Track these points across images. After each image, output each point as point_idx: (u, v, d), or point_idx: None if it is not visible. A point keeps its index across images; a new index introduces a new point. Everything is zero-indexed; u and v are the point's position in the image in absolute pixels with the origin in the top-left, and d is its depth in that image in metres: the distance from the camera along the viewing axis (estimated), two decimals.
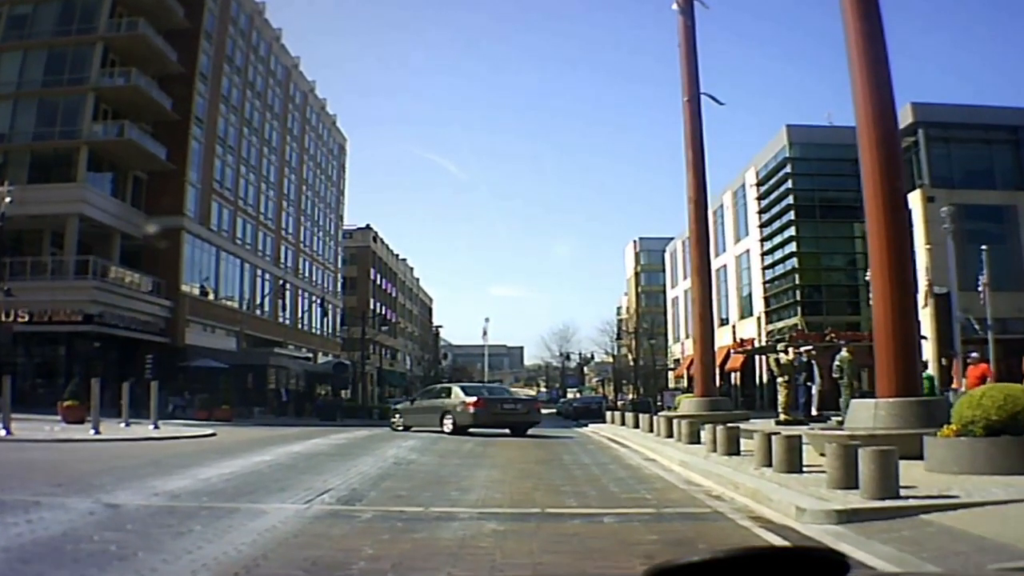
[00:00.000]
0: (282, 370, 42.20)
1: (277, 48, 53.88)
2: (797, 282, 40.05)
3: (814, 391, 18.81)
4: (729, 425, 11.99)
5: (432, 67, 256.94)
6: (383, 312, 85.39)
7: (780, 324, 41.79)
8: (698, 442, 13.82)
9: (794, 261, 40.29)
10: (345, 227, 75.82)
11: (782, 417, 16.99)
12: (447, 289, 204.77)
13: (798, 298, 39.85)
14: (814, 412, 18.50)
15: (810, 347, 20.05)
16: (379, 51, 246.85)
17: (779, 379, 17.23)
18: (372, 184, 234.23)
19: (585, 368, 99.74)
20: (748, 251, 47.30)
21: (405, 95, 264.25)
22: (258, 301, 47.89)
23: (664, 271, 76.68)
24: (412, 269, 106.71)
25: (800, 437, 9.16)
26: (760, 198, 44.99)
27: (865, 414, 10.94)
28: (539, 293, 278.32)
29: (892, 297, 11.23)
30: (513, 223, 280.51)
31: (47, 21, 36.98)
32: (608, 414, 26.46)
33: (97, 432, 15.89)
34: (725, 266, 51.97)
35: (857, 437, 10.42)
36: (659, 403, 43.59)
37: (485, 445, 14.99)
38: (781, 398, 17.10)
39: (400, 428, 21.02)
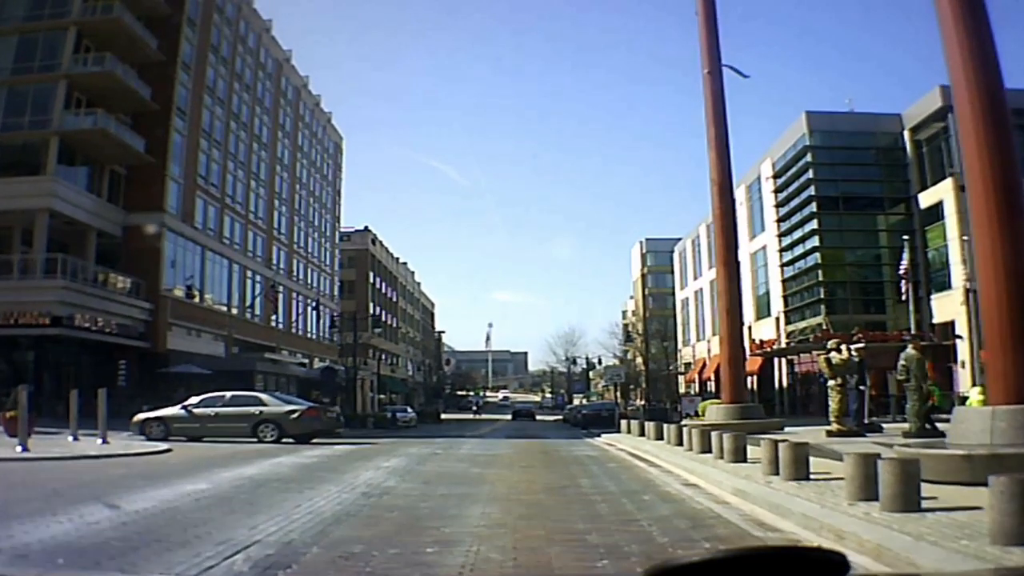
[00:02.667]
0: (271, 376, 39.59)
1: (267, 40, 51.51)
2: (820, 279, 37.41)
3: (865, 395, 16.26)
4: (794, 441, 9.42)
5: (430, 73, 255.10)
6: (383, 316, 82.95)
7: (802, 324, 39.18)
8: (743, 460, 11.25)
9: (816, 256, 37.70)
10: (343, 229, 73.42)
11: (834, 427, 14.40)
12: (450, 295, 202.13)
13: (822, 296, 37.20)
14: (866, 420, 15.94)
15: (861, 345, 17.44)
16: (376, 56, 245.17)
17: (831, 382, 14.62)
18: (372, 191, 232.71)
19: (591, 373, 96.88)
20: (765, 247, 44.74)
21: (403, 100, 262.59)
22: (248, 304, 45.38)
23: (672, 272, 74.17)
24: (413, 273, 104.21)
25: (918, 462, 6.56)
26: (777, 191, 42.46)
27: (979, 426, 8.36)
28: (543, 299, 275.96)
29: (1008, 276, 8.64)
30: (515, 228, 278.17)
31: (17, 6, 34.65)
32: (623, 423, 23.82)
33: (24, 449, 13.37)
34: (738, 264, 49.35)
35: (975, 458, 7.84)
36: (676, 410, 41.12)
37: (484, 466, 12.40)
38: (833, 404, 14.49)
39: (160, 437, 18.38)
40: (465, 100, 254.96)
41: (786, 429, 19.56)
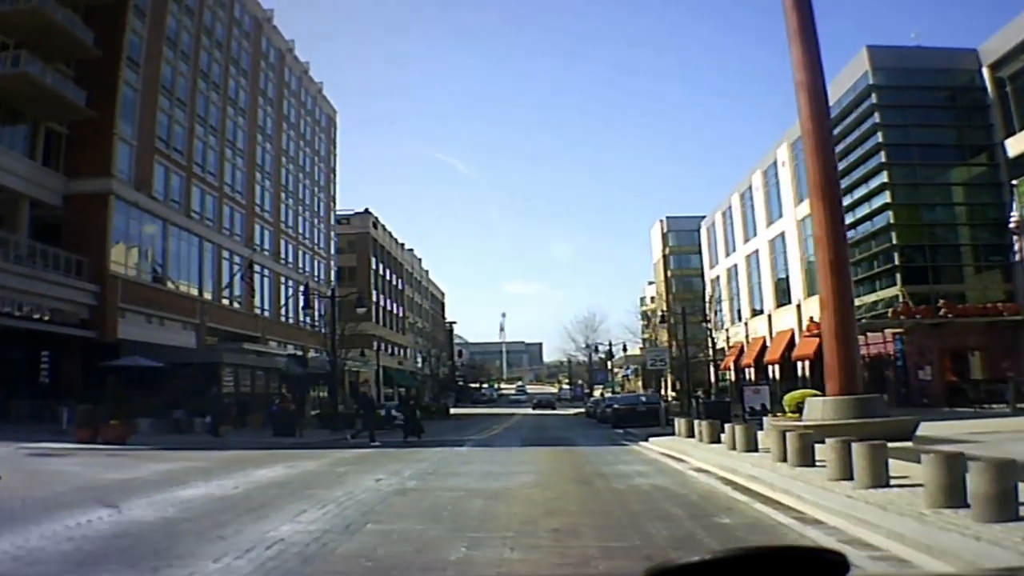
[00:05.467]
0: (244, 369, 33.90)
1: None
2: (894, 242, 31.20)
3: None
4: None
5: (435, 66, 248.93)
6: (388, 305, 77.37)
7: (871, 297, 33.00)
8: (1015, 516, 5.32)
9: (888, 216, 31.48)
10: (340, 211, 67.67)
11: None
12: (460, 288, 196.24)
13: (896, 262, 30.99)
14: None
15: None
16: (383, 50, 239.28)
17: None
18: (376, 185, 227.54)
19: (609, 363, 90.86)
20: None
21: (409, 94, 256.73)
22: (224, 286, 39.68)
23: (700, 251, 67.94)
24: (420, 260, 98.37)
25: None
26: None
27: None
28: (556, 288, 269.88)
29: None
30: (524, 219, 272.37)
31: None
32: (677, 422, 17.68)
33: None
34: (783, 233, 43.26)
35: None
36: (711, 401, 35.10)
37: (479, 524, 6.39)
38: None
39: None
40: (467, 93, 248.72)
41: (918, 430, 13.67)
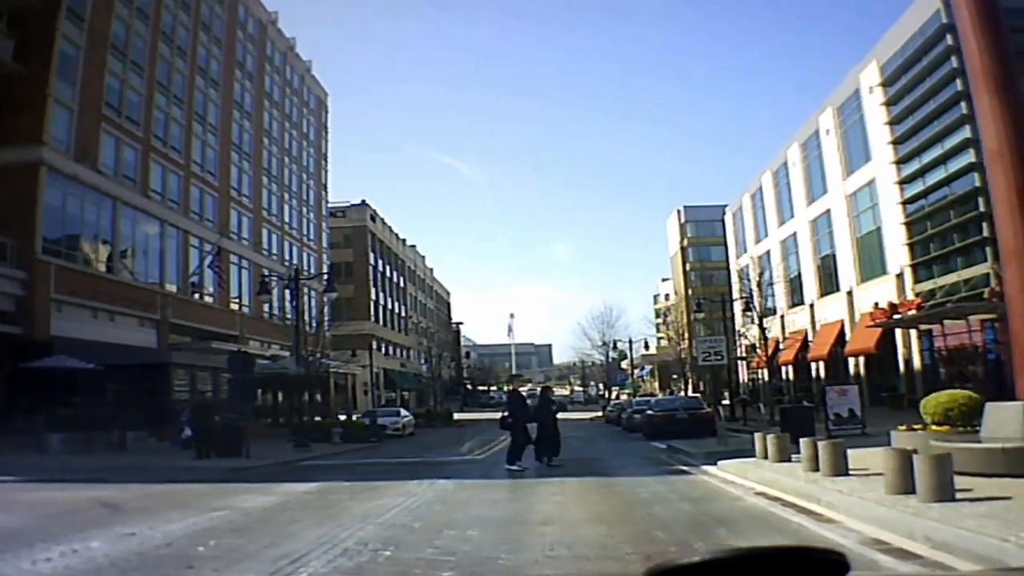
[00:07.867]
0: (203, 372, 28.87)
1: None
2: (981, 210, 25.82)
3: None
4: None
5: (436, 66, 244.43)
6: (389, 304, 72.52)
7: (948, 278, 27.64)
8: None
9: (974, 178, 26.12)
10: (334, 203, 62.85)
11: None
12: (468, 291, 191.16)
13: (985, 234, 25.60)
14: None
15: None
16: (382, 49, 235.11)
17: None
18: (380, 189, 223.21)
19: (624, 363, 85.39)
20: (872, 182, 33.23)
21: (409, 95, 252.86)
22: (191, 274, 34.78)
23: (724, 240, 62.57)
24: (424, 258, 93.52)
25: None
26: (890, 102, 31.01)
27: None
28: (564, 291, 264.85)
29: None
30: (530, 222, 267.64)
31: None
32: (758, 440, 12.03)
33: None
34: (829, 211, 37.95)
35: None
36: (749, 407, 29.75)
37: None
38: None
39: None
40: (468, 92, 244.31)
41: None
